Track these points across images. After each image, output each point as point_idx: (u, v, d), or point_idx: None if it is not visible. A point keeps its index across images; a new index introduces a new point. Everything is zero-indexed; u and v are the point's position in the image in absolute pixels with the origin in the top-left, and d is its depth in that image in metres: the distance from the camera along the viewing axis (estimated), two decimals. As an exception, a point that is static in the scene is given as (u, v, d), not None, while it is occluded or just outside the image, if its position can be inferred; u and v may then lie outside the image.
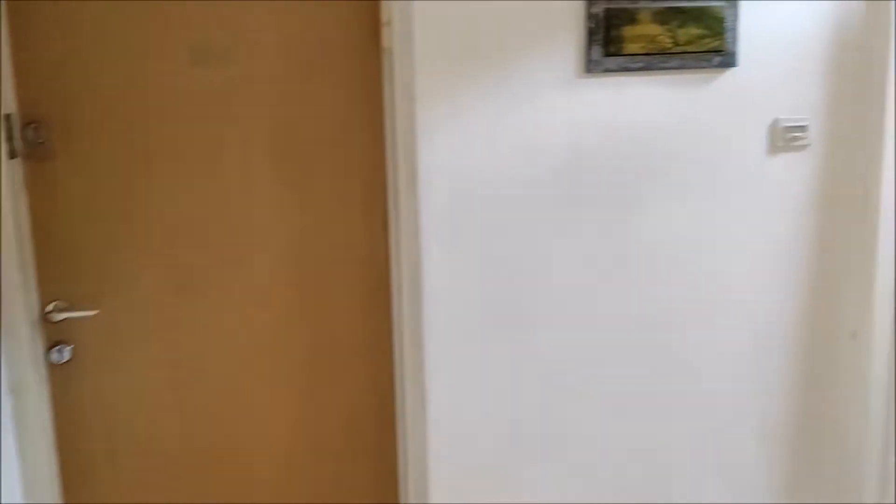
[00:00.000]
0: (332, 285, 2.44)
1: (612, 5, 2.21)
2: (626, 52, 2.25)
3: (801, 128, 2.35)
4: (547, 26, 2.21)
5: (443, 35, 2.15)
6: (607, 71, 2.26)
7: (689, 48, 2.26)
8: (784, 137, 2.35)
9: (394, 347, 2.48)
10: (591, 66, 2.24)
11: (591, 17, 2.22)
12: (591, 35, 2.23)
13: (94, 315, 2.32)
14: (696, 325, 2.43)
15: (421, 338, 2.28)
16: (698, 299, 2.42)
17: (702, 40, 2.26)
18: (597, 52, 2.24)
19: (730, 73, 2.31)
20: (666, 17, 2.24)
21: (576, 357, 2.38)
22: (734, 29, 2.27)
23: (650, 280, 2.38)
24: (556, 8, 2.20)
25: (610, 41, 2.23)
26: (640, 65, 2.26)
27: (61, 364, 2.33)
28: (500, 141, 2.24)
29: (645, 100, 2.29)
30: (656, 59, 2.26)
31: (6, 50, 2.15)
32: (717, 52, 2.28)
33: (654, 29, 2.24)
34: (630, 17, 2.23)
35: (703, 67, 2.29)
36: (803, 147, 2.37)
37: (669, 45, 2.26)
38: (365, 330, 2.48)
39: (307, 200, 2.39)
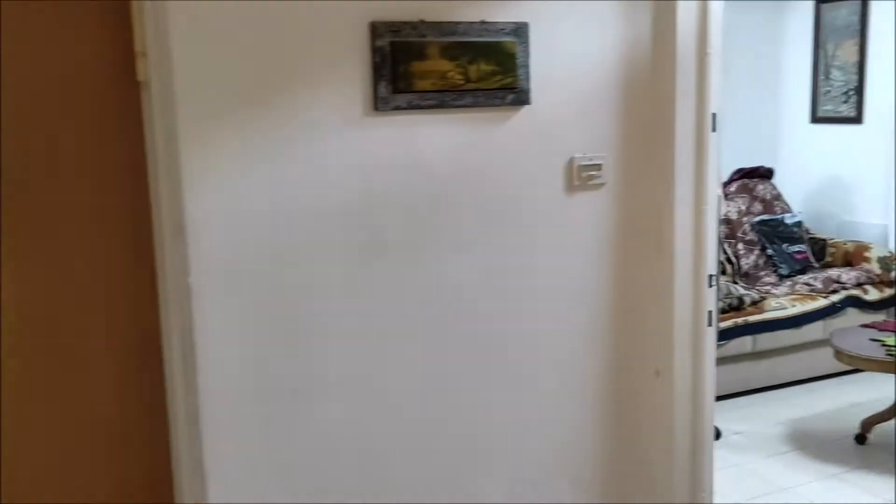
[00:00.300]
0: (88, 359, 2.08)
1: (398, 39, 2.06)
2: (416, 88, 2.10)
3: (597, 166, 2.31)
4: (328, 60, 2.01)
5: (209, 68, 1.89)
6: (397, 109, 2.09)
7: (481, 85, 2.15)
8: (580, 176, 2.29)
9: (169, 424, 2.16)
10: (379, 104, 2.07)
11: (376, 51, 2.04)
12: (378, 70, 2.05)
13: None
14: (498, 374, 2.31)
15: (196, 412, 1.98)
16: (500, 345, 2.30)
17: (494, 77, 2.16)
18: (385, 88, 2.07)
19: (524, 111, 2.22)
20: (456, 52, 2.11)
21: (370, 425, 2.18)
22: (526, 65, 2.19)
23: (447, 331, 2.23)
24: (337, 41, 2.01)
25: (398, 77, 2.07)
26: (432, 102, 2.12)
27: None
28: (281, 186, 2.01)
29: (438, 139, 2.15)
30: (448, 96, 2.13)
31: None
32: (510, 89, 2.18)
33: (444, 65, 2.11)
34: (418, 52, 2.08)
35: (497, 105, 2.18)
36: (599, 185, 2.33)
37: (461, 82, 2.13)
38: (135, 406, 2.14)
39: (54, 261, 2.02)
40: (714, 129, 2.34)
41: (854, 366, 3.62)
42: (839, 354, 3.57)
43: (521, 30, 2.17)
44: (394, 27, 2.05)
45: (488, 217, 2.22)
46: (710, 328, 2.44)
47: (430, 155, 2.14)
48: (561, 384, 2.39)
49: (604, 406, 2.46)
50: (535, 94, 2.21)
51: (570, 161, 2.28)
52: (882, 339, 3.56)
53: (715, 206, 2.38)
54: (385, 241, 2.13)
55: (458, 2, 2.11)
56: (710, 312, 2.44)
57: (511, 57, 2.16)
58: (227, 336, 1.99)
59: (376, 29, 2.03)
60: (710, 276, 2.41)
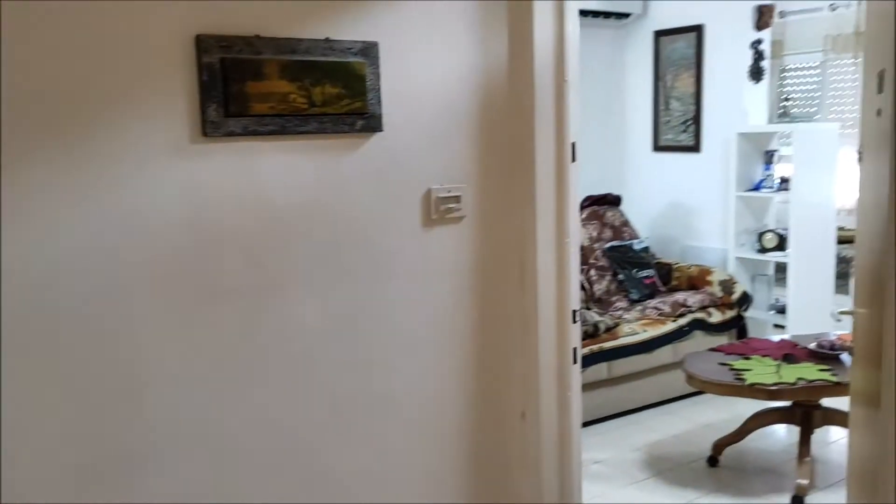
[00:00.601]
0: None
1: (229, 55, 1.80)
2: (253, 112, 1.85)
3: (455, 198, 2.15)
4: (148, 79, 1.73)
5: (13, 91, 1.56)
6: (231, 135, 1.83)
7: (327, 109, 1.93)
8: (438, 209, 2.12)
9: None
10: (208, 129, 1.80)
11: (203, 68, 1.78)
12: (207, 91, 1.79)
13: None
14: (353, 427, 2.08)
15: (-19, 504, 1.62)
16: (355, 396, 2.07)
17: (341, 101, 1.95)
18: (215, 111, 1.80)
19: (376, 139, 2.02)
20: (297, 72, 1.89)
21: (207, 489, 1.89)
22: (377, 89, 2.00)
23: (295, 385, 1.98)
24: (157, 56, 1.73)
25: (231, 99, 1.82)
26: (272, 128, 1.88)
27: None
28: (94, 222, 1.69)
29: (280, 169, 1.91)
30: (290, 121, 1.90)
31: None
32: (359, 114, 1.98)
33: (284, 86, 1.88)
34: (254, 71, 1.84)
35: (346, 132, 1.98)
36: (459, 219, 2.17)
37: (304, 106, 1.90)
38: None
39: None
40: (574, 159, 2.25)
41: (706, 390, 3.68)
42: (691, 379, 3.61)
43: (370, 50, 1.98)
44: (224, 42, 1.80)
45: (338, 256, 2.00)
46: (575, 365, 2.34)
47: (271, 187, 1.90)
48: (422, 430, 2.20)
49: (469, 452, 2.28)
50: (387, 120, 2.02)
51: (428, 193, 2.11)
52: (730, 362, 3.63)
53: (577, 239, 2.28)
54: (220, 285, 1.86)
55: (298, 16, 1.89)
56: (574, 349, 2.33)
57: (360, 79, 1.96)
58: (33, 397, 1.65)
59: (203, 43, 1.77)
60: (574, 311, 2.31)
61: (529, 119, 2.17)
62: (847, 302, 5.29)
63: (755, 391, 3.38)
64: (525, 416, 2.33)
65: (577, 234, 2.29)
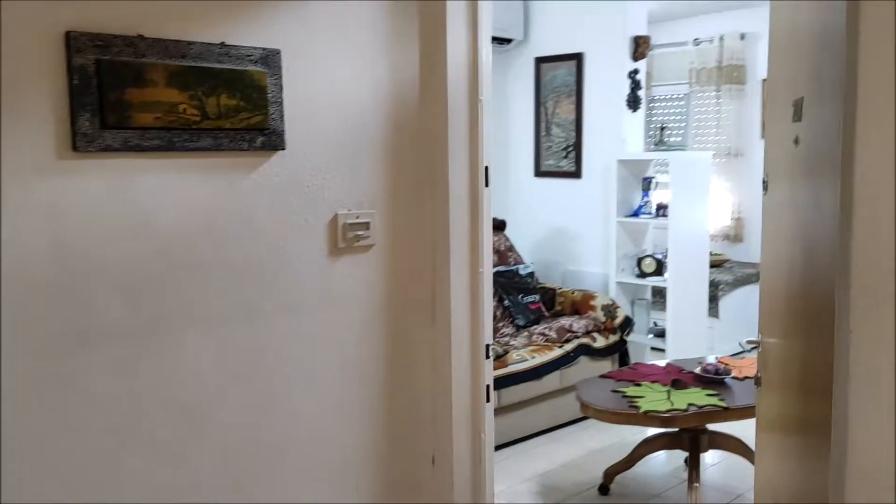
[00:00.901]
0: None
1: (107, 57, 1.53)
2: (134, 123, 1.58)
3: (364, 224, 1.96)
4: (5, 83, 1.43)
5: None
6: (108, 150, 1.56)
7: (223, 123, 1.70)
8: (346, 236, 1.92)
9: None
10: (80, 142, 1.52)
11: (74, 71, 1.50)
12: (78, 97, 1.51)
13: None
14: (253, 484, 1.83)
15: None
16: (253, 449, 1.82)
17: (239, 114, 1.71)
18: (88, 122, 1.52)
19: (277, 158, 1.80)
20: (188, 80, 1.64)
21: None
22: (279, 102, 1.78)
23: (183, 440, 1.71)
24: (17, 55, 1.44)
25: (108, 108, 1.54)
26: (158, 143, 1.62)
27: None
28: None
29: (167, 190, 1.65)
30: (180, 135, 1.64)
31: None
32: (259, 129, 1.75)
33: (173, 95, 1.62)
34: (137, 76, 1.57)
35: (244, 149, 1.74)
36: (367, 247, 1.97)
37: (197, 119, 1.66)
38: None
39: None
40: (487, 184, 2.12)
41: (601, 419, 3.64)
42: (586, 408, 3.56)
43: (271, 58, 1.76)
44: (100, 41, 1.53)
45: (235, 289, 1.75)
46: (488, 404, 2.19)
47: (155, 211, 1.63)
48: (327, 482, 1.97)
49: (376, 494, 2.07)
50: (290, 138, 1.81)
51: (334, 218, 1.90)
52: (622, 389, 3.62)
53: (490, 269, 2.14)
54: (91, 327, 1.56)
55: (189, 15, 1.64)
56: (487, 387, 2.18)
57: (260, 90, 1.74)
58: None
59: (75, 42, 1.49)
60: (488, 345, 2.16)
61: (443, 140, 2.01)
62: (718, 324, 5.50)
63: (650, 419, 3.37)
64: (435, 462, 2.15)
65: (490, 263, 2.15)
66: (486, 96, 2.07)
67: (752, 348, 2.35)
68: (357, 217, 1.93)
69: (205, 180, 1.69)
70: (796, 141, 1.89)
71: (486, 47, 2.05)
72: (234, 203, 1.73)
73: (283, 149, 1.80)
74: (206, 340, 1.71)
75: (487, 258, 2.11)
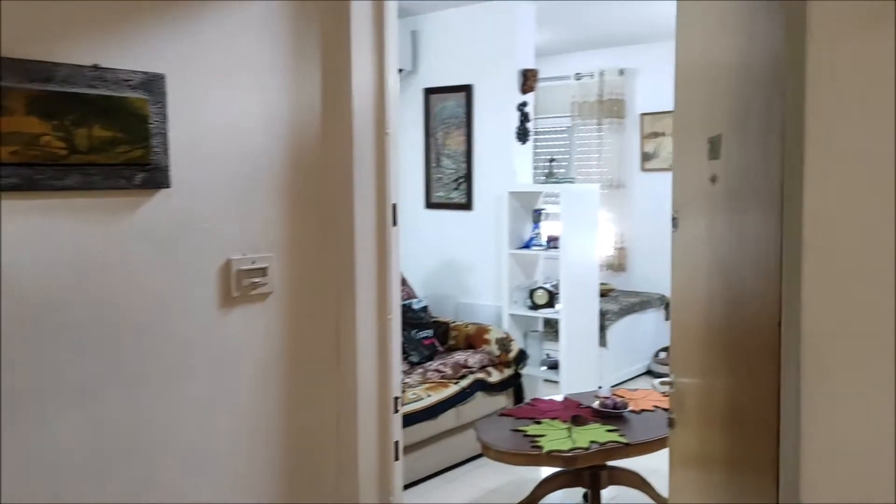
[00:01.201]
0: None
1: (-49, 78, 1.28)
2: (-15, 157, 1.33)
3: (261, 270, 1.75)
4: None
5: None
6: (-50, 188, 1.30)
7: (97, 158, 1.46)
8: (241, 284, 1.71)
9: None
10: (-86, 180, 1.25)
11: None
12: (-87, 125, 1.25)
13: None
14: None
15: None
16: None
17: (116, 147, 1.48)
18: (-74, 155, 1.26)
19: (161, 197, 1.58)
20: (53, 107, 1.40)
21: None
22: (163, 133, 1.56)
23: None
24: None
25: (-48, 138, 1.29)
26: (15, 181, 1.37)
27: None
28: None
29: (27, 236, 1.39)
30: (44, 171, 1.40)
31: None
32: (139, 165, 1.53)
33: (34, 124, 1.38)
34: (-11, 102, 1.33)
35: (122, 188, 1.51)
36: (265, 295, 1.77)
37: (63, 153, 1.42)
38: None
39: None
40: (395, 223, 1.97)
41: (504, 461, 3.52)
42: (488, 450, 3.44)
43: (154, 84, 1.54)
44: (-56, 59, 1.27)
45: (112, 352, 1.50)
46: (397, 463, 2.01)
47: (15, 263, 1.37)
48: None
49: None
50: (176, 174, 1.59)
51: (227, 264, 1.69)
52: (523, 428, 3.52)
53: (399, 316, 1.99)
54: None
55: (55, 32, 1.41)
56: (396, 443, 2.01)
57: (140, 120, 1.52)
58: None
59: None
60: (396, 398, 2.00)
61: (348, 175, 1.85)
62: (607, 353, 5.55)
63: (553, 459, 3.29)
64: (342, 528, 1.95)
65: (399, 310, 1.99)
66: (393, 129, 1.93)
67: (665, 389, 2.31)
68: (253, 262, 1.73)
69: (75, 224, 1.44)
70: (713, 179, 1.85)
71: (393, 76, 1.91)
72: (109, 250, 1.49)
73: (168, 186, 1.58)
74: (76, 414, 1.45)
75: (396, 304, 1.95)
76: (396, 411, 1.98)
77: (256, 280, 1.72)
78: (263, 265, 1.74)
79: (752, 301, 1.58)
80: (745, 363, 1.63)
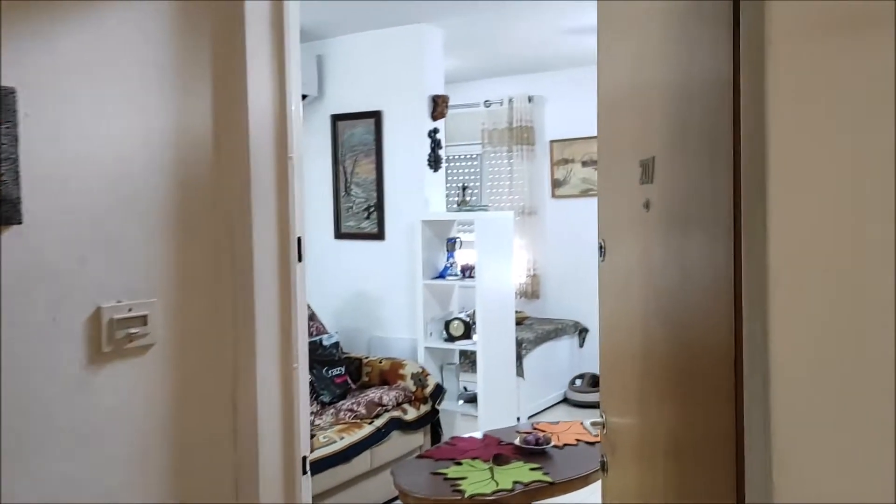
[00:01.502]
0: None
1: None
2: None
3: (140, 318, 1.49)
4: None
5: None
6: None
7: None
8: (114, 336, 1.44)
9: None
10: None
11: None
12: None
13: None
14: None
15: None
16: None
17: (-51, 175, 1.21)
18: None
19: (12, 235, 1.30)
20: None
21: None
22: (14, 159, 1.29)
23: None
24: None
25: None
26: None
27: None
28: None
29: None
30: None
31: None
32: (-18, 197, 1.25)
33: None
34: None
35: (-43, 225, 1.23)
36: (145, 348, 1.50)
37: None
38: None
39: None
40: (300, 259, 1.74)
41: (424, 508, 3.30)
42: (405, 496, 3.21)
43: (2, 99, 1.27)
44: None
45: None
46: (307, 532, 1.77)
47: None
48: None
49: None
50: (31, 207, 1.32)
51: (96, 314, 1.42)
52: (443, 471, 3.32)
53: (306, 365, 1.75)
54: None
55: None
56: (306, 508, 1.77)
57: (-17, 143, 1.25)
58: None
59: None
60: (304, 458, 1.76)
61: (244, 206, 1.61)
62: (524, 384, 5.42)
63: (476, 503, 3.09)
64: None
65: (306, 358, 1.76)
66: (297, 153, 1.71)
67: (598, 430, 2.16)
68: (129, 310, 1.46)
69: None
70: (647, 205, 1.72)
71: (295, 95, 1.70)
72: (-60, 302, 1.21)
73: (20, 222, 1.30)
74: None
75: (303, 351, 1.72)
76: (305, 472, 1.74)
77: (134, 330, 1.46)
78: (143, 312, 1.48)
79: (698, 331, 1.44)
80: (692, 397, 1.50)
